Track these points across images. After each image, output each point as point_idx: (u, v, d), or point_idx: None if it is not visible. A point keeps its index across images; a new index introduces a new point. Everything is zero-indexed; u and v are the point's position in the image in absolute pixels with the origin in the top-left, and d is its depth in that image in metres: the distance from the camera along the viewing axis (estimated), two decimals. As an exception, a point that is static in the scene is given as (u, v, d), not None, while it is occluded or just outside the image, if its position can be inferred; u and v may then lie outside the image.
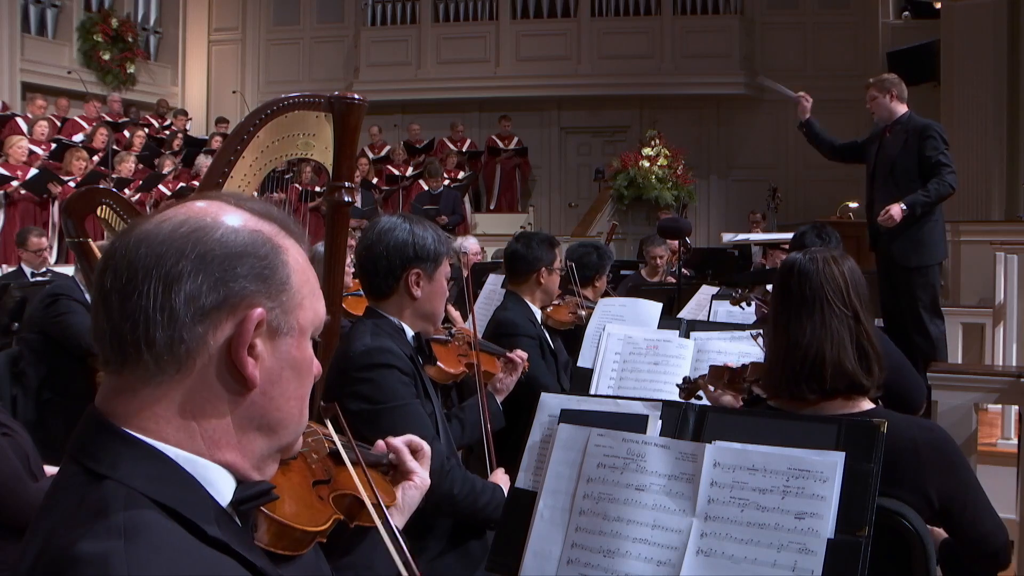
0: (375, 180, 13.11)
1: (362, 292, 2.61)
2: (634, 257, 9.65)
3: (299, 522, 1.24)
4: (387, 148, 14.13)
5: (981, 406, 4.47)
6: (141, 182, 10.76)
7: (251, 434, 1.04)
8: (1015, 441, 4.53)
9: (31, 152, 10.34)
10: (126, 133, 12.61)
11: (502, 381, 3.23)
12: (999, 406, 4.84)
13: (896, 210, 5.17)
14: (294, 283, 1.05)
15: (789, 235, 5.57)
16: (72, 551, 0.89)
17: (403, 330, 2.49)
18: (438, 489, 2.17)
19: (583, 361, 3.41)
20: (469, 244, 6.91)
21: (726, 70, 14.08)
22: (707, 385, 2.52)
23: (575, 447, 1.65)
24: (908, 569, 1.78)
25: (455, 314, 4.96)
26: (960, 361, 6.47)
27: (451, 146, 13.96)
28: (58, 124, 11.97)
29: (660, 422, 1.65)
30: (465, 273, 3.92)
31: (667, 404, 1.69)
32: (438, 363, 2.98)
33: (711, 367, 2.57)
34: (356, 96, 2.45)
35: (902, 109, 5.49)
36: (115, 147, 11.56)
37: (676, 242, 6.82)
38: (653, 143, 12.74)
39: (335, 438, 1.47)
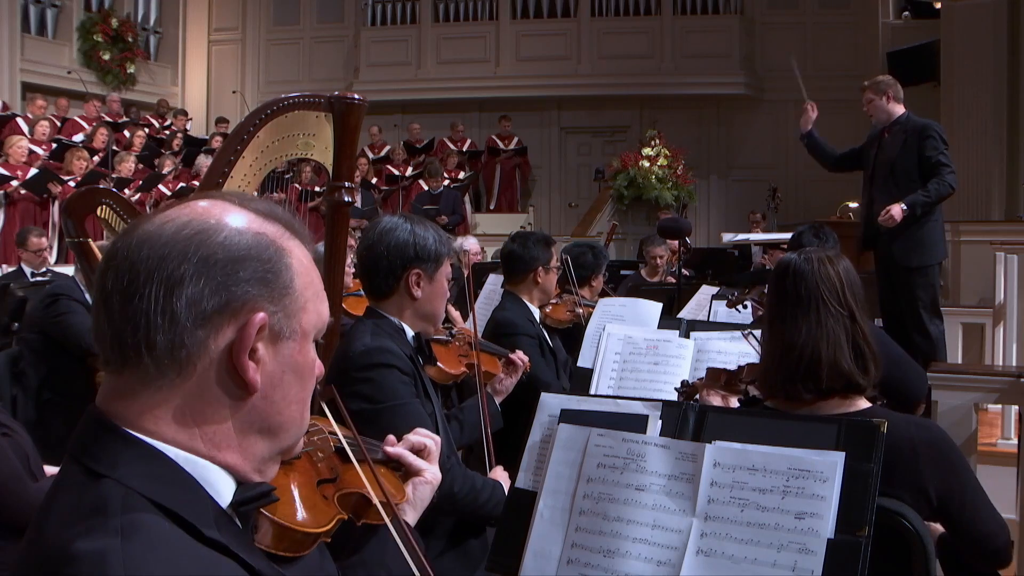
0: (375, 180, 13.11)
1: (362, 292, 2.61)
2: (634, 257, 9.65)
3: (300, 524, 1.24)
4: (387, 148, 14.13)
5: (981, 406, 4.47)
6: (141, 182, 10.75)
7: (252, 437, 1.04)
8: (1015, 441, 4.54)
9: (31, 152, 10.34)
10: (126, 133, 12.61)
11: (502, 382, 3.24)
12: (999, 406, 4.84)
13: (896, 210, 5.17)
14: (297, 286, 1.04)
15: (789, 235, 5.56)
16: (69, 549, 0.89)
17: (403, 330, 2.49)
18: (439, 487, 2.17)
19: (583, 361, 3.41)
20: (470, 244, 6.92)
21: (726, 70, 14.08)
22: (703, 388, 2.53)
23: (575, 447, 1.65)
24: (908, 569, 1.78)
25: (455, 314, 4.96)
26: (960, 361, 6.47)
27: (451, 146, 13.95)
28: (58, 124, 11.97)
29: (660, 422, 1.65)
30: (466, 272, 3.93)
31: (667, 404, 1.69)
32: (438, 363, 2.99)
33: (708, 369, 2.58)
34: (356, 96, 2.45)
35: (900, 110, 5.49)
36: (115, 147, 11.56)
37: (676, 242, 6.82)
38: (653, 143, 12.74)
39: (341, 436, 1.46)
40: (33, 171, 9.86)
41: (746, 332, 2.88)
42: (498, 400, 3.19)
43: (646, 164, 12.51)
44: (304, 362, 1.06)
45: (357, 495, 1.41)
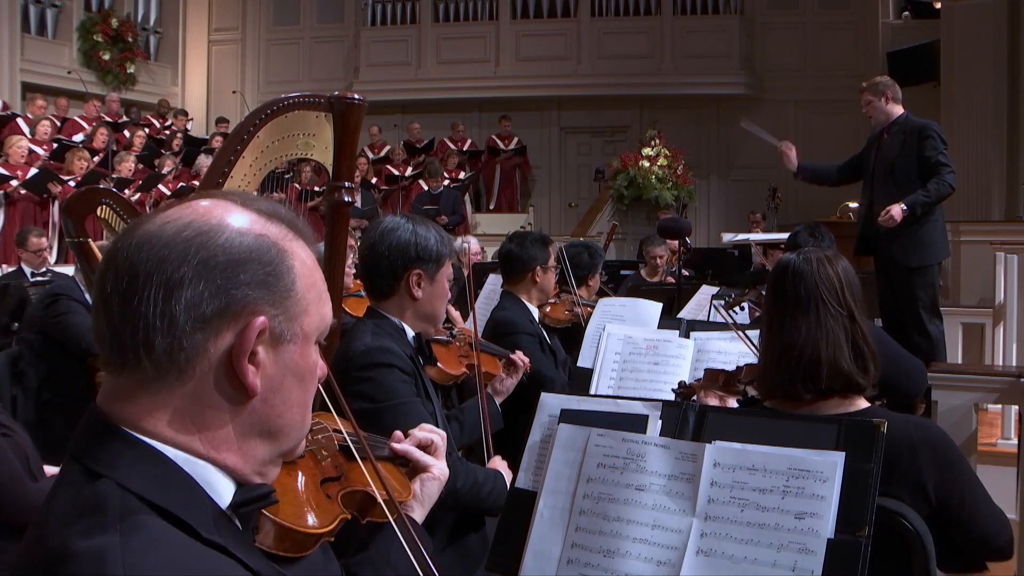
0: (375, 180, 13.11)
1: (363, 293, 2.61)
2: (634, 257, 9.65)
3: (301, 524, 1.24)
4: (387, 148, 14.13)
5: (981, 406, 4.48)
6: (141, 182, 10.75)
7: (252, 440, 1.03)
8: (1015, 441, 4.54)
9: (31, 152, 10.34)
10: (126, 133, 12.61)
11: (503, 383, 3.23)
12: (999, 406, 4.85)
13: (897, 210, 5.17)
14: (299, 289, 1.03)
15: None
16: (68, 547, 0.89)
17: (404, 330, 2.49)
18: None
19: (583, 361, 3.41)
20: (472, 244, 6.92)
21: (726, 70, 14.07)
22: (701, 389, 2.53)
23: (575, 447, 1.65)
24: (908, 569, 1.78)
25: (456, 314, 4.96)
26: (960, 361, 6.47)
27: (451, 146, 13.95)
28: (58, 124, 11.97)
29: (660, 422, 1.65)
30: (466, 272, 3.93)
31: (667, 404, 1.69)
32: (439, 364, 2.98)
33: (706, 370, 2.58)
34: (356, 96, 2.45)
35: (898, 110, 5.49)
36: (115, 147, 11.56)
37: (676, 242, 6.82)
38: (653, 143, 12.75)
39: (345, 434, 1.45)
40: (33, 171, 9.86)
41: (741, 334, 2.87)
42: (498, 400, 3.19)
43: (646, 164, 12.51)
44: (305, 365, 1.05)
45: (362, 493, 1.40)
